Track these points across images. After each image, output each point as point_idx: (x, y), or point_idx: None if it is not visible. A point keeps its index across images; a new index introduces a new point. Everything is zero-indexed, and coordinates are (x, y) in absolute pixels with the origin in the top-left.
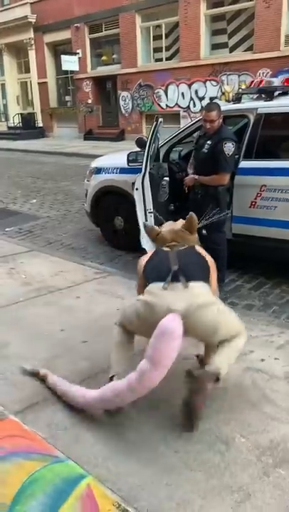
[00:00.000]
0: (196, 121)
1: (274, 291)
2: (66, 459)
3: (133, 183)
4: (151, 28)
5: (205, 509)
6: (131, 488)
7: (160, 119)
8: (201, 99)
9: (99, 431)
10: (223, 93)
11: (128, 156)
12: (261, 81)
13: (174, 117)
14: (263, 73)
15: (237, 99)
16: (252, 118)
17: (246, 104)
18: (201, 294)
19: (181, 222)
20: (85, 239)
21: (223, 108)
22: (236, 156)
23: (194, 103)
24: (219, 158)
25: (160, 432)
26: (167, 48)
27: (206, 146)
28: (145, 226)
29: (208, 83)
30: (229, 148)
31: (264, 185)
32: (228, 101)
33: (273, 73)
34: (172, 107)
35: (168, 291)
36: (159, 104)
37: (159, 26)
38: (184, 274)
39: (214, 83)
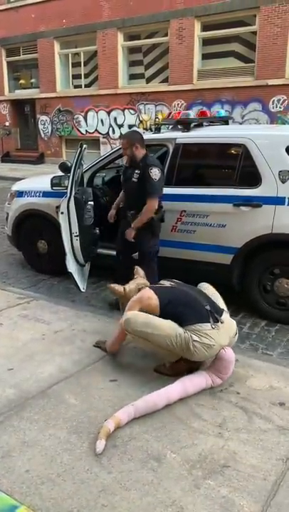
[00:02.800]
0: (119, 149)
1: None
2: None
3: (57, 207)
4: (69, 55)
5: None
6: None
7: (84, 146)
8: (120, 126)
9: (30, 458)
10: (141, 121)
11: (52, 179)
12: (179, 113)
13: (94, 143)
14: (178, 104)
15: (156, 129)
16: (171, 147)
17: (165, 134)
18: (228, 321)
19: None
20: (6, 263)
21: (144, 137)
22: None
23: (114, 130)
24: (146, 184)
25: (93, 452)
26: (86, 75)
27: (135, 176)
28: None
29: (126, 111)
30: (155, 173)
31: (184, 210)
32: (145, 129)
33: (187, 104)
34: (92, 133)
35: (216, 331)
36: (78, 130)
37: (77, 54)
38: (215, 310)
39: (132, 112)
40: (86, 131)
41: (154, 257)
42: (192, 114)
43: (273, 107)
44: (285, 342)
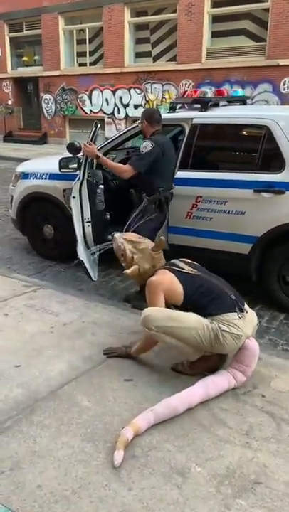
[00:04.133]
0: (131, 129)
1: None
2: (6, 510)
3: (64, 190)
4: (74, 31)
5: None
6: None
7: (98, 125)
8: (126, 106)
9: (42, 471)
10: (148, 101)
11: (60, 161)
12: (195, 91)
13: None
14: (186, 84)
15: (171, 108)
16: (187, 128)
17: (181, 113)
18: (250, 311)
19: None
20: (10, 248)
21: None
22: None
23: (119, 110)
24: (135, 153)
25: (110, 464)
26: (91, 53)
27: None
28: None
29: (132, 91)
30: (146, 145)
31: (200, 196)
32: None
33: (195, 84)
34: (96, 113)
35: (242, 321)
36: (83, 109)
37: (82, 30)
38: (238, 299)
39: (138, 91)
40: (90, 110)
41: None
42: (209, 92)
43: (284, 89)
44: None
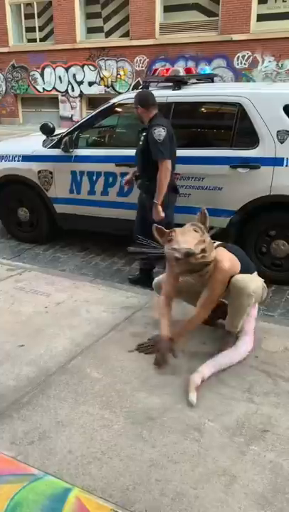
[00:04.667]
0: (102, 109)
1: None
2: (44, 474)
3: (39, 172)
4: (22, 5)
5: (200, 498)
6: (122, 491)
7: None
8: (80, 83)
9: (69, 437)
10: (102, 78)
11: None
12: (167, 69)
13: (52, 101)
14: (140, 60)
15: (144, 87)
16: (161, 106)
17: (155, 92)
18: None
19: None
20: None
21: (130, 96)
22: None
23: (73, 87)
24: (152, 146)
25: (132, 427)
26: (40, 28)
27: (142, 138)
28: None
29: (86, 67)
30: (160, 133)
31: (178, 173)
32: (107, 86)
33: (150, 61)
34: (50, 91)
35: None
36: (35, 87)
37: (30, 4)
38: None
39: (92, 68)
40: (43, 88)
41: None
42: (181, 71)
43: (238, 64)
44: (284, 302)
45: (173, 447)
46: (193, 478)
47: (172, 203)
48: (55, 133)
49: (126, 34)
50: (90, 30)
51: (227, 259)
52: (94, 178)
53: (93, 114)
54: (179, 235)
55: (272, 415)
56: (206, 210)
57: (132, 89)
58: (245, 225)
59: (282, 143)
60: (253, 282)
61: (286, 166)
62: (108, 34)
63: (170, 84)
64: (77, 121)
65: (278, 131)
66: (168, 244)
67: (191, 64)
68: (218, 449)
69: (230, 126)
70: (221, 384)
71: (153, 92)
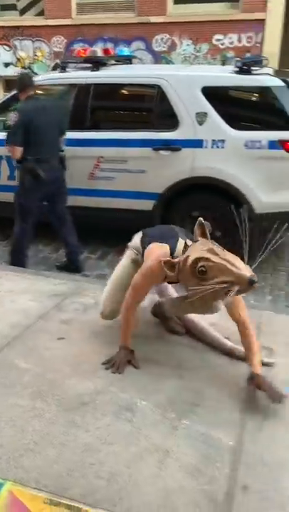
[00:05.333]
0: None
1: (119, 259)
2: None
3: None
4: None
5: (134, 476)
6: (56, 479)
7: None
8: None
9: None
10: (19, 59)
11: None
12: (85, 50)
13: None
14: (58, 40)
15: (62, 68)
16: (80, 88)
17: (73, 73)
18: None
19: None
20: None
21: (48, 77)
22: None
23: None
24: None
25: (65, 414)
26: None
27: None
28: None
29: (0, 47)
30: (11, 117)
31: (101, 156)
32: (24, 68)
33: (68, 42)
34: None
35: None
36: None
37: None
38: None
39: (7, 48)
40: None
41: (27, 216)
42: (99, 52)
43: (157, 46)
44: None
45: (106, 430)
46: (127, 458)
47: (33, 191)
48: None
49: (41, 13)
50: (3, 8)
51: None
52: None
53: (8, 96)
54: (230, 259)
55: (201, 389)
56: (202, 220)
57: (52, 71)
58: (170, 207)
59: (200, 125)
60: None
61: (205, 147)
62: (23, 12)
63: (89, 65)
64: None
65: (197, 113)
66: (220, 276)
67: (110, 46)
68: (151, 427)
69: (151, 108)
70: (152, 363)
71: (72, 73)
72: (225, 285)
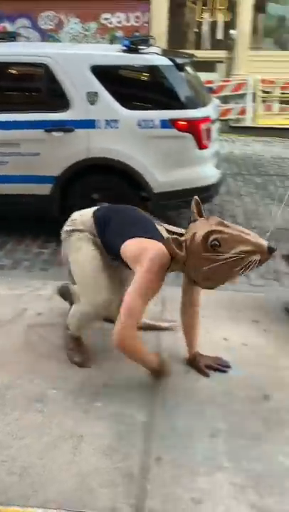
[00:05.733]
0: None
1: (19, 248)
2: None
3: None
4: None
5: (48, 466)
6: None
7: None
8: None
9: None
10: None
11: None
12: None
13: None
14: None
15: None
16: None
17: None
18: None
19: None
20: None
21: None
22: None
23: None
24: None
25: None
26: None
27: None
28: None
29: None
30: None
31: None
32: None
33: None
34: None
35: None
36: None
37: None
38: None
39: None
40: None
41: None
42: None
43: (43, 24)
44: None
45: (16, 424)
46: (39, 450)
47: None
48: None
49: None
50: None
51: None
52: None
53: None
54: (244, 229)
55: (111, 370)
56: (198, 198)
57: None
58: (69, 190)
59: (92, 104)
60: None
61: (99, 128)
62: None
63: None
64: None
65: (88, 93)
66: (242, 244)
67: None
68: (63, 414)
69: (40, 88)
70: (58, 350)
71: None
72: (244, 255)
